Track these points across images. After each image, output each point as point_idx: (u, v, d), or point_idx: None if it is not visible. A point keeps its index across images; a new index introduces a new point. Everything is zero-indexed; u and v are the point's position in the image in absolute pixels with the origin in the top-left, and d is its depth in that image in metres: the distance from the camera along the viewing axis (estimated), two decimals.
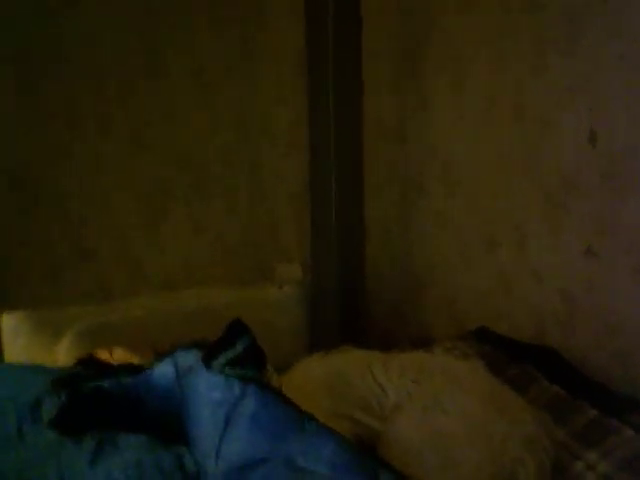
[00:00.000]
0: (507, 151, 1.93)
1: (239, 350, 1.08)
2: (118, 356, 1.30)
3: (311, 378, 1.37)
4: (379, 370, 1.38)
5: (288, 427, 1.00)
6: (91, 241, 2.23)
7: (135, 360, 1.27)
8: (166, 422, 1.15)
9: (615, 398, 1.41)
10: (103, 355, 1.30)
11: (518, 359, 1.58)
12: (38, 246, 2.15)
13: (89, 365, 1.30)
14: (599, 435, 1.26)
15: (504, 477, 1.20)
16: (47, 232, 2.16)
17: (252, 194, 2.53)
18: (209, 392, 1.02)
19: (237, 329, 1.11)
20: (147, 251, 2.33)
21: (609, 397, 1.42)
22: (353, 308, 2.07)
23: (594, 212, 1.70)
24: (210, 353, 1.07)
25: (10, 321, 1.93)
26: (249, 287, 2.37)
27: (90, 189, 2.21)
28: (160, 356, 1.20)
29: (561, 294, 1.79)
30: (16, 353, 1.88)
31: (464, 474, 1.21)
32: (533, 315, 1.87)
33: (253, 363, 1.08)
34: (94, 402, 1.18)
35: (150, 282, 2.33)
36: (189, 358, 1.11)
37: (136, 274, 2.31)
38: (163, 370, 1.16)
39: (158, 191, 2.33)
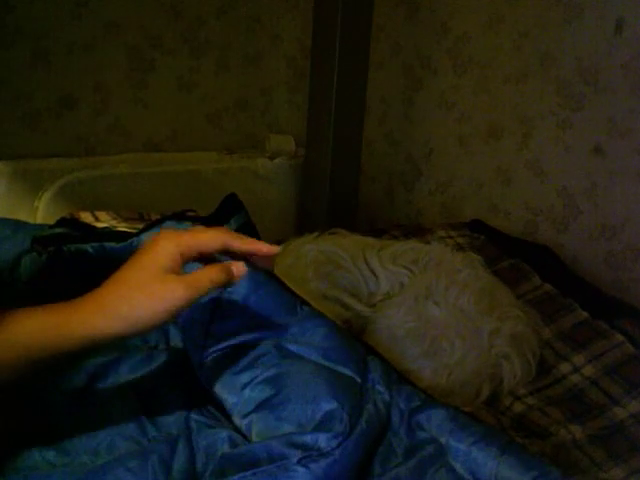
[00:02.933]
0: (525, 33, 1.80)
1: (233, 227, 1.02)
2: (102, 220, 1.23)
3: (302, 260, 1.33)
4: (373, 256, 1.34)
5: (280, 311, 0.96)
6: (72, 89, 2.10)
7: (121, 226, 1.21)
8: None
9: (606, 302, 1.40)
10: (86, 218, 1.23)
11: (511, 254, 1.56)
12: (15, 91, 2.01)
13: (71, 226, 1.23)
14: (588, 338, 1.26)
15: (488, 371, 1.20)
16: (25, 76, 2.02)
17: (246, 54, 2.37)
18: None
19: (232, 205, 1.04)
20: (130, 106, 2.21)
21: (601, 300, 1.41)
22: (345, 188, 2.01)
23: (609, 108, 1.62)
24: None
25: None
26: (238, 155, 2.29)
27: (74, 33, 2.04)
28: (148, 224, 1.14)
29: (560, 192, 1.75)
30: None
31: (447, 363, 1.21)
32: (528, 211, 1.84)
33: None
34: (77, 265, 1.13)
35: (132, 140, 2.23)
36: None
37: (117, 130, 2.21)
38: None
39: (145, 41, 2.17)
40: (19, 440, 0.80)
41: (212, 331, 0.93)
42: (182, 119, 2.31)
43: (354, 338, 1.04)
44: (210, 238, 0.72)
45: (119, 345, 0.97)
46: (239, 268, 0.73)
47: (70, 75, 2.07)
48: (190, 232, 0.72)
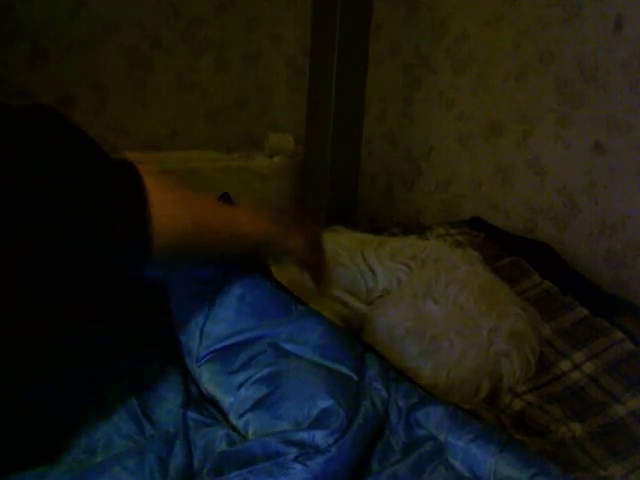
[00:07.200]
0: (524, 31, 1.80)
1: None
2: None
3: None
4: (371, 253, 1.34)
5: (276, 309, 0.96)
6: (71, 88, 2.09)
7: None
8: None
9: (606, 299, 1.40)
10: None
11: (511, 251, 1.55)
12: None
13: None
14: (588, 335, 1.25)
15: (488, 368, 1.20)
16: (24, 75, 2.01)
17: (245, 53, 2.37)
18: None
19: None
20: (129, 105, 2.21)
21: (600, 297, 1.40)
22: (345, 186, 2.00)
23: (609, 105, 1.61)
24: None
25: None
26: (237, 154, 2.28)
27: (73, 32, 2.04)
28: None
29: (560, 189, 1.74)
30: None
31: (447, 361, 1.20)
32: (527, 208, 1.84)
33: None
34: None
35: (130, 139, 2.23)
36: None
37: (116, 129, 2.20)
38: None
39: (144, 40, 2.17)
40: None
41: (207, 331, 0.92)
42: (181, 118, 2.30)
43: (352, 336, 1.03)
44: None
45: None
46: None
47: (69, 74, 2.07)
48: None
